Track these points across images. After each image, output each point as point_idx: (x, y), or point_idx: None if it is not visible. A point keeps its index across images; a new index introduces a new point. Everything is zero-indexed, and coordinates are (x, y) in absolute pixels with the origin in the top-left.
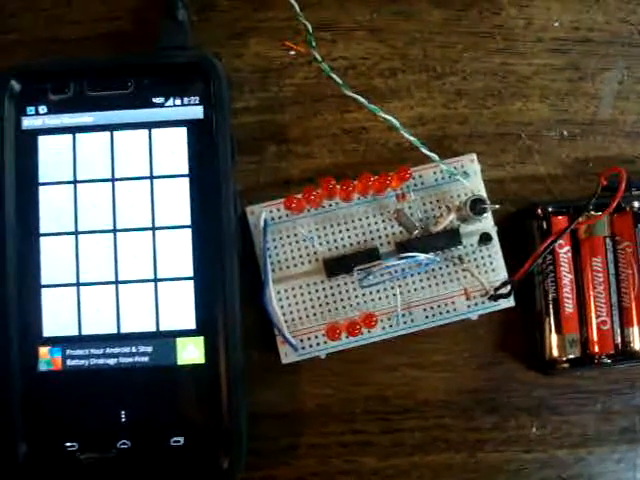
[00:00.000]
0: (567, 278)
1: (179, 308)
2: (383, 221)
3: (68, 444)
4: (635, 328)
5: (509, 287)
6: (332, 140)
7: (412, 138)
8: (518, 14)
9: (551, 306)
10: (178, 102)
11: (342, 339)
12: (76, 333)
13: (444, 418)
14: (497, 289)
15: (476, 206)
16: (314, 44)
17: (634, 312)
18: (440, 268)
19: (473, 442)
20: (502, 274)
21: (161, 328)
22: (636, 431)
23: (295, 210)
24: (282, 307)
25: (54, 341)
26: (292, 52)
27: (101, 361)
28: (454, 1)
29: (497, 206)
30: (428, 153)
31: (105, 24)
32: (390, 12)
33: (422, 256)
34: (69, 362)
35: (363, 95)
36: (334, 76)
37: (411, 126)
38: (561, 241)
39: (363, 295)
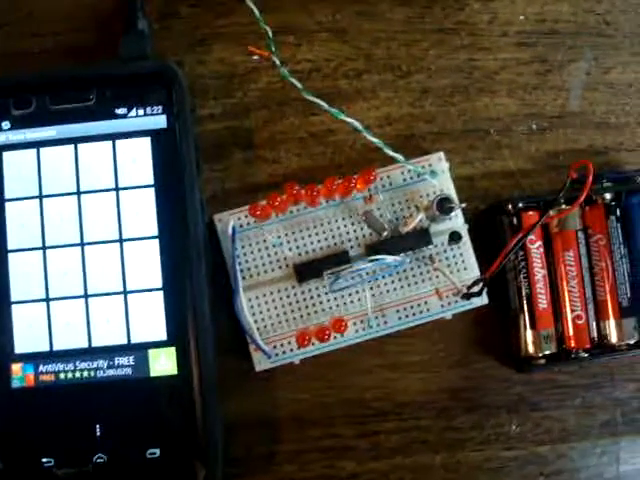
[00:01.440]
0: (540, 274)
1: (150, 319)
2: (352, 224)
3: (44, 460)
4: (611, 321)
5: (481, 285)
6: (299, 144)
7: (375, 140)
8: (482, 9)
9: (525, 302)
10: (141, 112)
11: (314, 345)
12: (47, 349)
13: (422, 419)
14: (469, 288)
15: (443, 205)
16: (274, 49)
17: (609, 305)
18: (412, 269)
19: (452, 442)
20: (474, 272)
21: (132, 340)
22: (617, 424)
23: (261, 217)
24: (254, 314)
25: (26, 357)
26: (255, 57)
27: (74, 375)
28: None
29: (464, 205)
30: (393, 154)
31: (67, 36)
32: (352, 12)
33: (390, 258)
34: (42, 378)
35: (328, 97)
36: (294, 81)
37: (378, 126)
38: (532, 236)
39: (335, 299)
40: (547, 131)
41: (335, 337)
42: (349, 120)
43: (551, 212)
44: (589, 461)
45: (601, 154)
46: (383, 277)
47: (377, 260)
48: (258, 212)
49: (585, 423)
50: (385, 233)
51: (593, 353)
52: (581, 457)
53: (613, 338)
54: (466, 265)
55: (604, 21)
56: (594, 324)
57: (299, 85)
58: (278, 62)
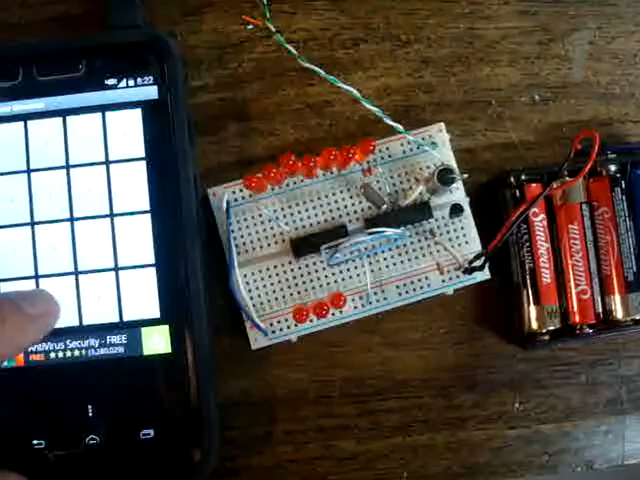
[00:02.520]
0: (543, 247)
1: (142, 297)
2: (350, 197)
3: (35, 442)
4: (616, 296)
5: (483, 259)
6: (295, 115)
7: (374, 109)
8: None
9: (528, 277)
10: (132, 83)
11: (312, 321)
12: None
13: (423, 398)
14: (471, 262)
15: (444, 176)
16: (269, 15)
17: (614, 279)
18: (412, 243)
19: (454, 421)
20: (476, 246)
21: (124, 318)
22: (622, 402)
23: (256, 190)
24: (250, 291)
25: None
26: (250, 26)
27: (64, 355)
28: None
29: (466, 175)
30: (392, 124)
31: (54, 6)
32: None
33: (390, 231)
34: (32, 357)
35: (325, 67)
36: (289, 47)
37: (377, 97)
38: (535, 209)
39: (333, 275)
40: (550, 102)
41: (333, 314)
42: (347, 88)
43: (554, 184)
44: (594, 439)
45: (605, 125)
46: (382, 251)
47: (376, 233)
48: (253, 184)
49: (590, 401)
50: (384, 206)
51: (598, 329)
52: (586, 435)
53: (619, 313)
54: (467, 239)
55: None
56: (599, 299)
57: (294, 52)
58: (273, 28)
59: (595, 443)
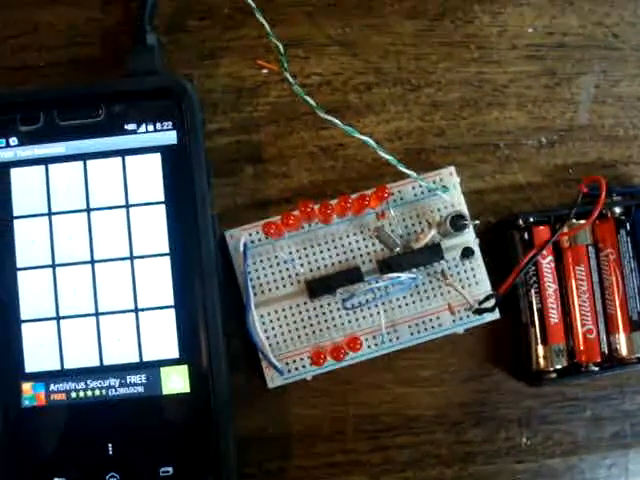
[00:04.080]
0: (551, 288)
1: (161, 337)
2: (364, 239)
3: (56, 479)
4: (621, 335)
5: (493, 301)
6: (309, 158)
7: (389, 157)
8: (491, 22)
9: (536, 317)
10: (151, 128)
11: (327, 362)
12: (59, 367)
13: (434, 433)
14: (481, 303)
15: (457, 222)
16: (286, 66)
17: (619, 319)
18: (423, 284)
19: (464, 455)
20: (486, 287)
21: (144, 358)
22: (626, 436)
23: (274, 235)
24: (266, 331)
25: (37, 376)
26: (265, 70)
27: (85, 394)
28: (426, 12)
29: (477, 222)
30: (406, 170)
31: (74, 50)
32: (362, 25)
33: (404, 276)
34: (53, 397)
35: (338, 111)
36: (308, 99)
37: (388, 140)
38: (543, 251)
39: (347, 315)
40: (556, 144)
41: (349, 354)
42: (363, 138)
43: (564, 228)
44: (599, 473)
45: (609, 167)
46: (396, 294)
47: (391, 278)
48: (272, 230)
49: (595, 435)
50: (397, 249)
51: (603, 367)
52: (591, 469)
53: (623, 351)
54: (477, 280)
55: (612, 34)
56: (604, 338)
57: (313, 103)
58: (291, 79)
59: (600, 476)
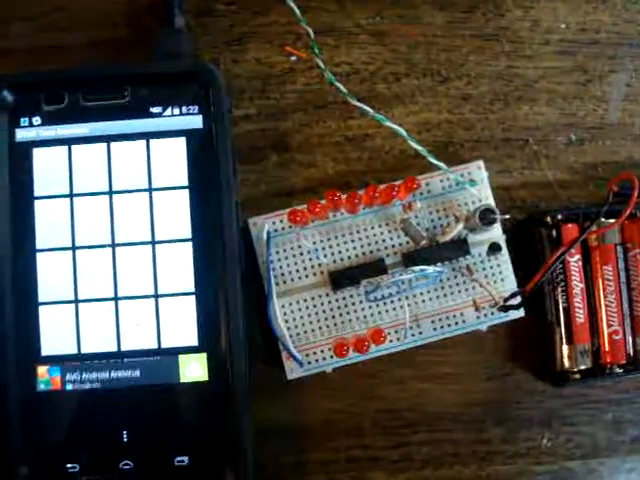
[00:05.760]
0: (578, 287)
1: (181, 324)
2: (389, 231)
3: (69, 465)
4: None
5: (519, 298)
6: (335, 148)
7: (419, 147)
8: (524, 16)
9: (562, 316)
10: (176, 111)
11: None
12: (75, 352)
13: (453, 431)
14: (507, 300)
15: (486, 216)
16: (317, 51)
17: None
18: (448, 279)
19: (483, 455)
20: (511, 284)
21: (163, 345)
22: None
23: (300, 223)
24: (287, 321)
25: (53, 360)
26: (293, 57)
27: (101, 380)
28: (458, 3)
29: (507, 216)
30: (436, 162)
31: (101, 31)
32: (393, 15)
33: (430, 269)
34: (68, 381)
35: (367, 101)
36: (339, 85)
37: (416, 132)
38: (571, 250)
39: (370, 308)
40: (586, 142)
41: (371, 347)
42: (394, 127)
43: (593, 227)
44: (618, 477)
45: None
46: (420, 288)
47: (416, 271)
48: (297, 218)
49: (616, 439)
50: (423, 242)
51: (627, 369)
52: (610, 473)
53: None
54: (503, 276)
55: None
56: (630, 340)
57: (344, 90)
58: (322, 65)
59: None
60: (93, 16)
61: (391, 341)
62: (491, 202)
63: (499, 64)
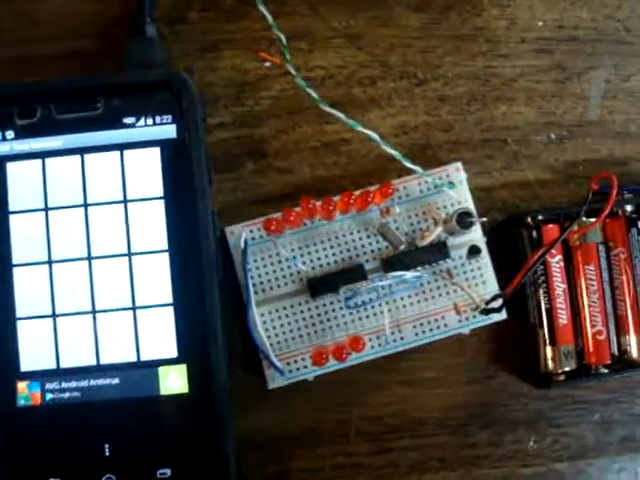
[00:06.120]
0: (560, 288)
1: (159, 336)
2: (368, 236)
3: None
4: (632, 336)
5: (501, 301)
6: (312, 153)
7: (394, 152)
8: (500, 14)
9: (544, 317)
10: (150, 121)
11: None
12: (54, 366)
13: (439, 436)
14: (488, 303)
15: (463, 220)
16: (289, 58)
17: (630, 319)
18: (429, 283)
19: (469, 459)
20: (493, 286)
21: (142, 357)
22: (636, 440)
23: (275, 231)
24: (267, 330)
25: (32, 375)
26: (267, 63)
27: (81, 394)
28: (433, 4)
29: (485, 219)
30: (412, 166)
31: (72, 42)
32: (367, 18)
33: (409, 274)
34: (48, 396)
35: (342, 105)
36: (310, 91)
37: (393, 135)
38: (552, 250)
39: (350, 314)
40: (566, 140)
41: (352, 355)
42: (367, 132)
43: (573, 226)
44: (608, 477)
45: (621, 164)
46: (400, 293)
47: (395, 276)
48: (272, 227)
49: (604, 439)
50: (402, 247)
51: (613, 369)
52: (600, 473)
53: (634, 354)
54: (484, 279)
55: (624, 28)
56: (615, 339)
57: (316, 96)
58: (293, 71)
59: None
60: (65, 28)
61: (373, 347)
62: (470, 204)
63: (476, 64)
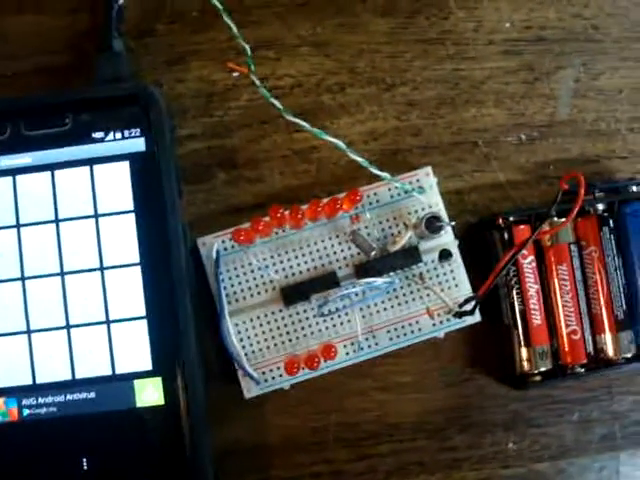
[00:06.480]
0: (533, 289)
1: (134, 349)
2: (339, 243)
3: None
4: (607, 335)
5: (473, 303)
6: (282, 162)
7: (360, 159)
8: (467, 17)
9: (518, 318)
10: (119, 135)
11: (304, 370)
12: (30, 382)
13: (417, 440)
14: (461, 306)
15: (432, 224)
16: (253, 68)
17: (605, 318)
18: (401, 288)
19: (449, 462)
20: (466, 289)
21: (117, 371)
22: (616, 438)
23: (245, 241)
24: (241, 340)
25: (9, 392)
26: (236, 74)
27: (58, 409)
28: (399, 9)
29: (453, 223)
30: (378, 172)
31: (42, 58)
32: (334, 25)
33: (380, 281)
34: (26, 412)
35: (311, 113)
36: (274, 101)
37: (363, 142)
38: (524, 251)
39: (324, 322)
40: (537, 141)
41: (325, 362)
42: (332, 140)
43: (544, 226)
44: (589, 476)
45: (592, 163)
46: (372, 298)
47: (367, 283)
48: (242, 237)
49: (584, 438)
50: (373, 252)
51: (590, 368)
52: (580, 472)
53: (610, 352)
54: (457, 282)
55: (592, 26)
56: (590, 338)
57: (279, 105)
58: (257, 81)
59: None
60: (34, 44)
61: (347, 354)
62: (441, 208)
63: (444, 68)
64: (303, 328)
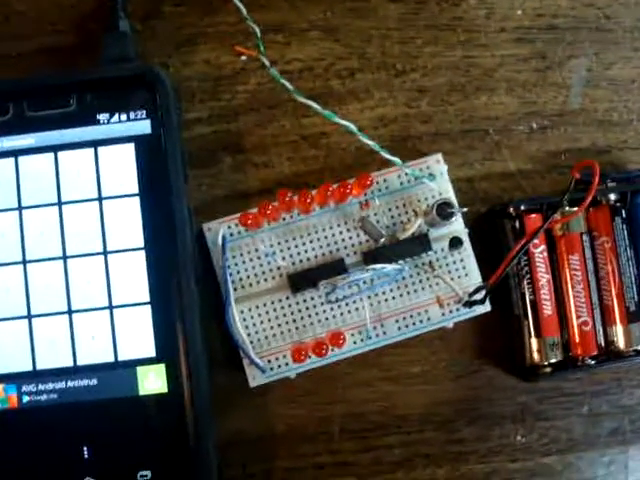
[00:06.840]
0: (544, 279)
1: (137, 335)
2: (348, 230)
3: None
4: (618, 326)
5: (483, 293)
6: (291, 147)
7: (371, 142)
8: (479, 4)
9: (529, 309)
10: (124, 117)
11: (311, 358)
12: (31, 368)
13: (424, 432)
14: (471, 295)
15: (443, 210)
16: (263, 49)
17: (616, 310)
18: (410, 276)
19: (456, 455)
20: (476, 278)
21: (120, 358)
22: (625, 432)
23: (252, 226)
24: (247, 327)
25: (8, 378)
26: (243, 57)
27: (59, 396)
28: None
29: (465, 209)
30: (390, 157)
31: (46, 38)
32: (344, 9)
33: (390, 267)
34: (25, 399)
35: (320, 98)
36: (285, 82)
37: (373, 128)
38: (535, 240)
39: (331, 310)
40: (548, 130)
41: (333, 350)
42: (343, 122)
43: (555, 216)
44: (597, 471)
45: (604, 153)
46: (381, 286)
47: (375, 269)
48: (249, 221)
49: (593, 432)
50: (382, 240)
51: (600, 360)
52: (589, 467)
53: (620, 344)
54: (467, 271)
55: (604, 15)
56: (601, 330)
57: (290, 86)
58: (267, 63)
59: (598, 474)
60: (39, 24)
61: (355, 342)
62: (451, 195)
63: (455, 54)
64: (310, 316)
